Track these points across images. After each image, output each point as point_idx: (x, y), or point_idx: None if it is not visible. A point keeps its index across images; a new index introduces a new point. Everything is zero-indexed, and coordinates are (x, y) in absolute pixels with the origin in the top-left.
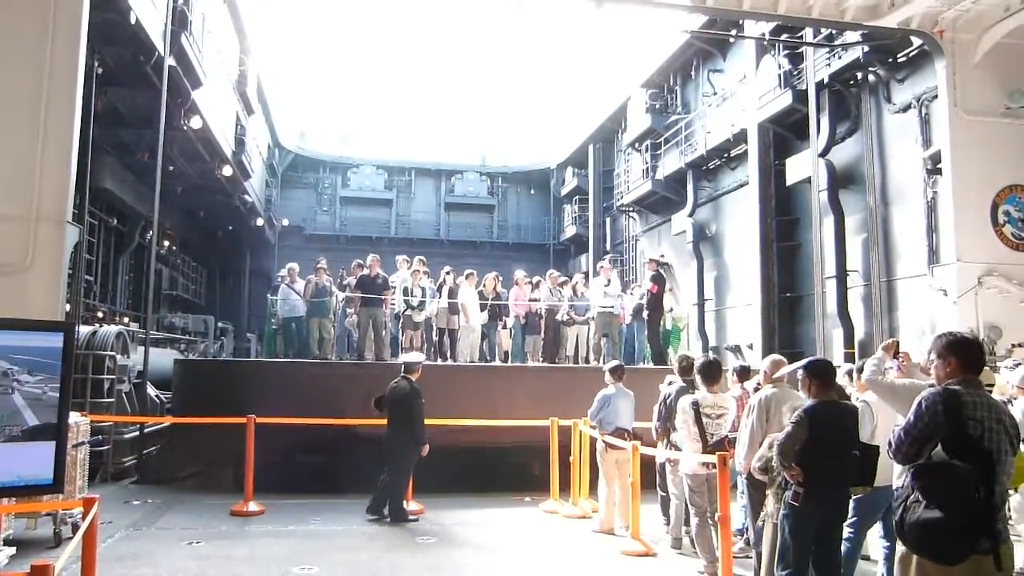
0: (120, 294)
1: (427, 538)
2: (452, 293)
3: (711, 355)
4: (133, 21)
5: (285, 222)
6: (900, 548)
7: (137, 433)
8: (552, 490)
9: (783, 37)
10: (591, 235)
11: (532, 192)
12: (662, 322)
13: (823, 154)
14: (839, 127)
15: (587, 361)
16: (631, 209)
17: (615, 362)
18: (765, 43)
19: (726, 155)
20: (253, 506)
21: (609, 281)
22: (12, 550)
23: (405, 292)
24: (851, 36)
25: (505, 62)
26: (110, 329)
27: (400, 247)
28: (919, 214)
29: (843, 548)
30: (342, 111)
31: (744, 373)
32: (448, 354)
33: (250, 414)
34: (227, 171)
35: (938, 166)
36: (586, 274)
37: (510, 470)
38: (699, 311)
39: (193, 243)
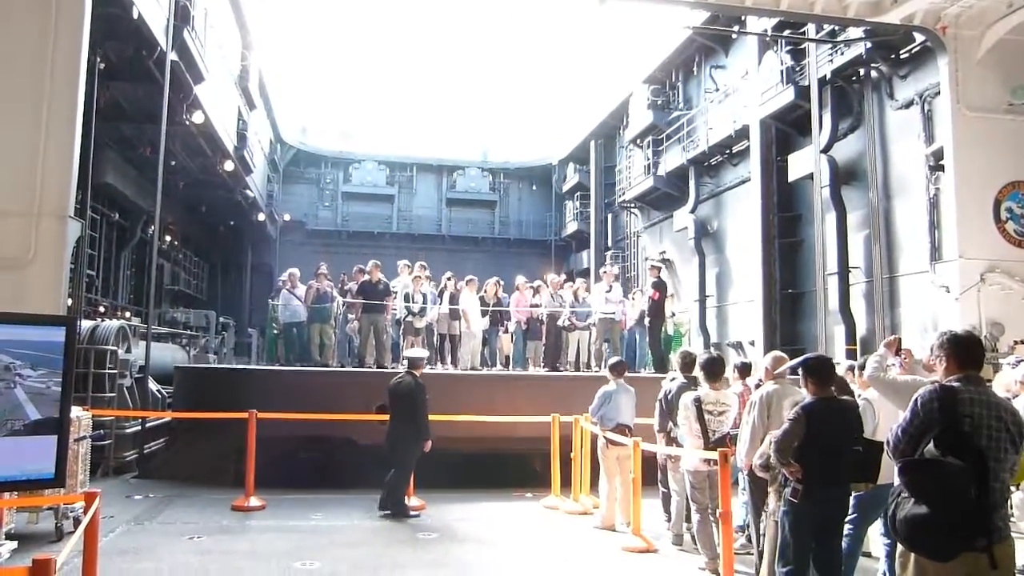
0: (122, 289)
1: (428, 534)
2: (453, 299)
3: (713, 352)
4: (135, 16)
5: (287, 217)
6: (900, 544)
7: (139, 428)
8: (553, 486)
9: (785, 33)
10: (592, 231)
11: (534, 188)
12: (664, 328)
13: (825, 150)
14: (841, 123)
15: (588, 367)
16: (633, 205)
17: (616, 358)
18: (767, 39)
19: (728, 151)
20: (254, 501)
21: (611, 287)
22: (14, 544)
23: (406, 298)
24: (854, 32)
25: (507, 58)
26: (112, 324)
27: (402, 243)
28: (921, 210)
29: (844, 545)
30: (344, 106)
31: (745, 369)
32: (449, 360)
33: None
34: (229, 166)
35: (940, 162)
36: (587, 271)
37: (511, 466)
38: (701, 307)
39: (195, 238)
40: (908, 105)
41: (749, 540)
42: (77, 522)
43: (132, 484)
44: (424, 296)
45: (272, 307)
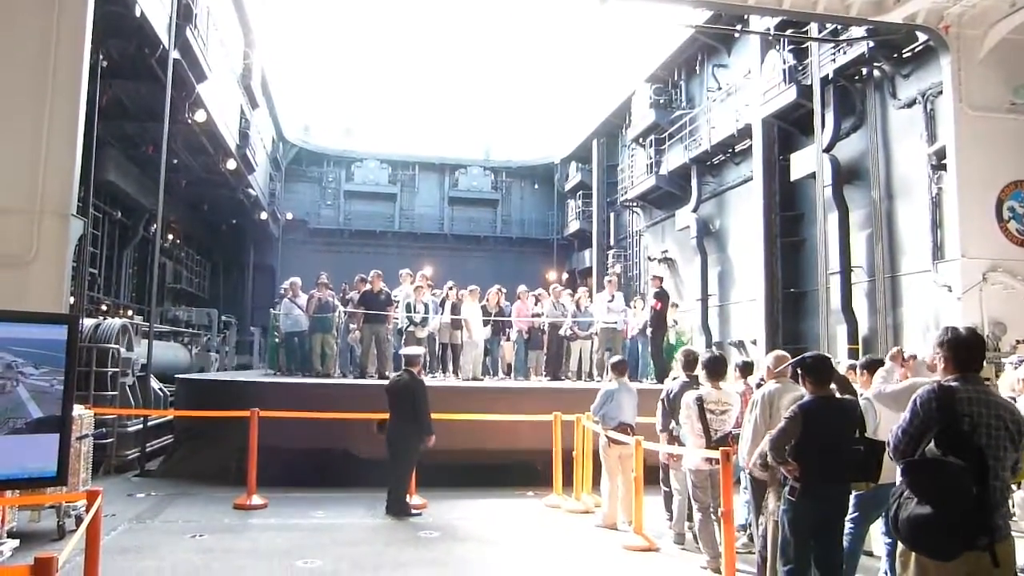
0: (124, 287)
1: (430, 532)
2: (455, 308)
3: (715, 351)
4: (138, 14)
5: (289, 216)
6: (901, 544)
7: (141, 426)
8: (555, 485)
9: (788, 32)
10: (595, 230)
11: (536, 187)
12: (666, 337)
13: (827, 149)
14: (844, 122)
15: (591, 376)
16: (635, 204)
17: (617, 357)
18: (770, 38)
19: (730, 150)
20: (256, 499)
21: (613, 296)
22: (16, 543)
23: (408, 308)
24: (856, 31)
25: (509, 57)
26: (114, 322)
27: (404, 241)
28: (924, 210)
29: (845, 544)
30: (346, 105)
31: (747, 369)
32: (451, 369)
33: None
34: (231, 165)
35: (943, 162)
36: (589, 269)
37: (513, 466)
38: (703, 306)
39: (197, 236)
40: (910, 104)
41: (751, 539)
42: (79, 520)
43: (134, 482)
44: (426, 306)
45: (273, 316)
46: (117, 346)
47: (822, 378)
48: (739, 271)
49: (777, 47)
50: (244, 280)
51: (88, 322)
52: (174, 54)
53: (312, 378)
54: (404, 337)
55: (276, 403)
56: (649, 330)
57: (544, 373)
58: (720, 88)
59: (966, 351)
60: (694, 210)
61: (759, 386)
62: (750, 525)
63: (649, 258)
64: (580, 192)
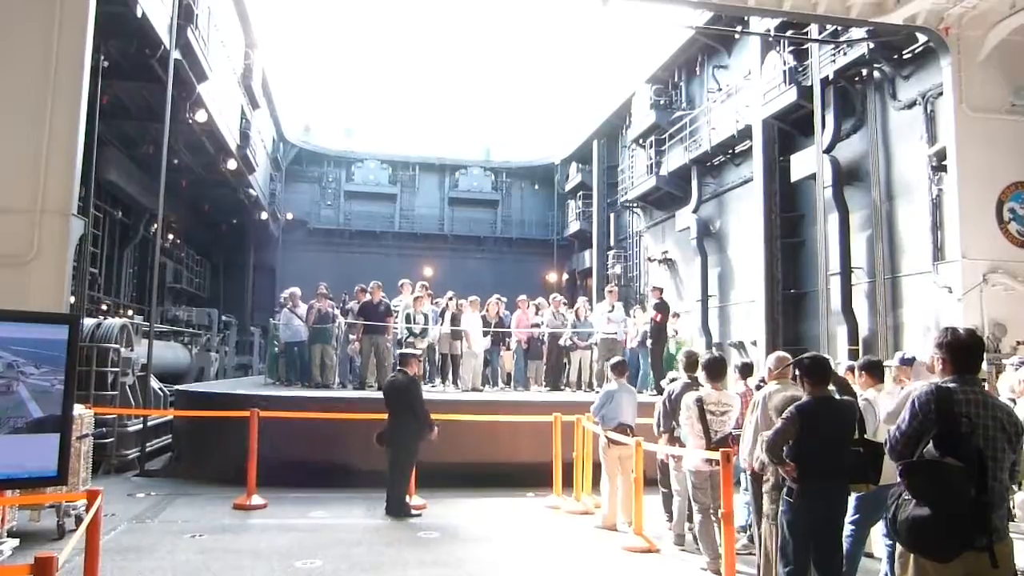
0: (124, 287)
1: (430, 532)
2: (455, 319)
3: (716, 352)
4: (139, 15)
5: (289, 216)
6: (900, 545)
7: (140, 426)
8: (555, 486)
9: (788, 33)
10: (595, 231)
11: (536, 187)
12: (666, 348)
13: (828, 150)
14: (844, 123)
15: (590, 387)
16: (635, 205)
17: (617, 358)
18: (770, 39)
19: (730, 151)
20: (256, 499)
21: (613, 307)
22: (16, 542)
23: (407, 319)
24: (856, 32)
25: (510, 57)
26: (114, 322)
27: (404, 242)
28: (924, 211)
29: (846, 545)
30: (347, 105)
31: (746, 370)
32: (450, 379)
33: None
34: (232, 165)
35: (943, 163)
36: (589, 270)
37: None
38: (703, 307)
39: (197, 236)
40: (911, 105)
41: (751, 540)
42: (79, 520)
43: (134, 482)
44: (425, 316)
45: (273, 325)
46: (117, 346)
47: (820, 379)
48: (739, 272)
49: (777, 48)
50: (244, 280)
51: (88, 322)
52: (175, 54)
53: (312, 389)
54: (403, 347)
55: (277, 420)
56: (649, 341)
57: (544, 383)
58: (720, 89)
59: (965, 353)
60: (694, 211)
61: (759, 387)
62: (750, 526)
63: (649, 259)
64: (580, 193)
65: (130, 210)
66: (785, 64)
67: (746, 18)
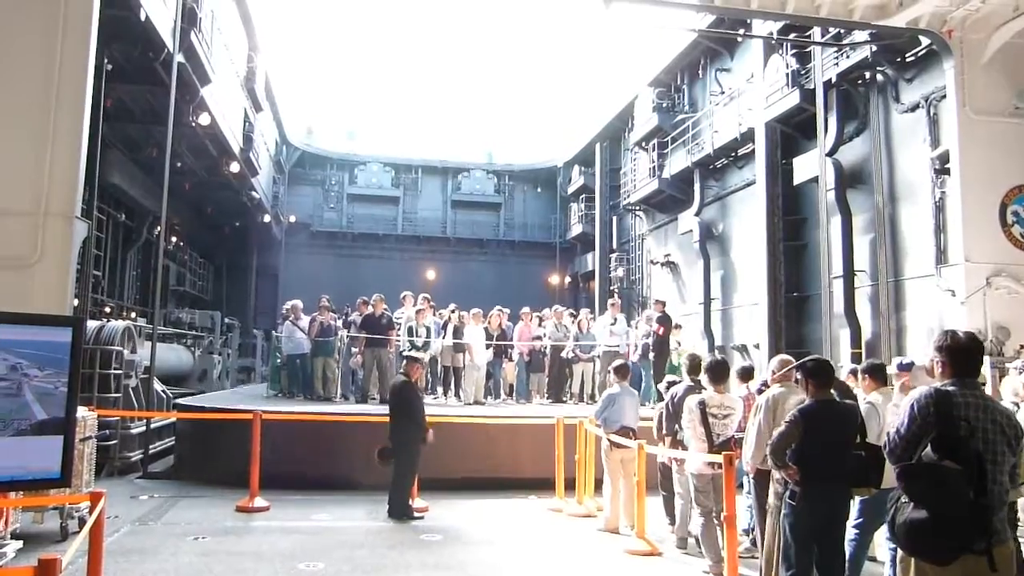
0: (128, 289)
1: (432, 535)
2: (457, 332)
3: (718, 355)
4: (143, 18)
5: (292, 219)
6: (900, 549)
7: (144, 428)
8: (557, 488)
9: (791, 36)
10: (597, 234)
11: (539, 190)
12: (668, 360)
13: (830, 153)
14: (847, 126)
15: (592, 399)
16: (637, 208)
17: (620, 361)
18: (773, 42)
19: (733, 154)
20: (259, 502)
21: (615, 319)
22: (19, 544)
23: (410, 332)
24: (859, 35)
25: (512, 60)
26: (117, 324)
27: (406, 244)
28: (927, 214)
29: (849, 549)
30: (349, 108)
31: (746, 374)
32: (452, 392)
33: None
34: (235, 168)
35: (946, 166)
36: (591, 273)
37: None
38: (705, 310)
39: (200, 239)
40: (914, 108)
41: (754, 543)
42: (82, 522)
43: (137, 484)
44: (428, 329)
45: (276, 337)
46: (120, 348)
47: (823, 382)
48: (742, 275)
49: (780, 51)
50: (247, 283)
51: (92, 324)
52: (178, 58)
53: (314, 402)
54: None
55: (281, 438)
56: (651, 355)
57: (546, 395)
58: (723, 92)
59: (964, 356)
60: (697, 214)
61: (760, 391)
62: (753, 529)
63: (652, 262)
64: (583, 196)
65: (133, 213)
66: (788, 67)
67: (749, 21)
